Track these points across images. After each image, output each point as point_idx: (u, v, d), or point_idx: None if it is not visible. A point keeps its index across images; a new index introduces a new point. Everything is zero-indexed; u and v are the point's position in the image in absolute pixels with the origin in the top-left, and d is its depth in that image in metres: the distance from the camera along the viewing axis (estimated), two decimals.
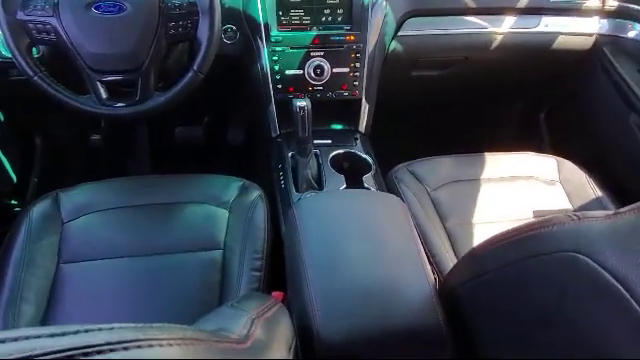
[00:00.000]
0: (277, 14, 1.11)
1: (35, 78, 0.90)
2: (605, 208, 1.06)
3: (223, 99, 1.54)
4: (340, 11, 1.13)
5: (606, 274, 0.39)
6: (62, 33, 0.87)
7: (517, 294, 0.52)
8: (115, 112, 0.93)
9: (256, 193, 1.00)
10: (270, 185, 1.08)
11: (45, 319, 0.84)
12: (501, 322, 0.56)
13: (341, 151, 1.11)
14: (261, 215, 0.96)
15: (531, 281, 0.49)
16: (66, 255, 0.91)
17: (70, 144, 1.55)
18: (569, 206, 1.09)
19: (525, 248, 0.49)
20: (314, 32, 1.13)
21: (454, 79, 1.36)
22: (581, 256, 0.42)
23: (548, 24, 1.25)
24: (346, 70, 1.15)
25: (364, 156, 1.11)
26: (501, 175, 1.13)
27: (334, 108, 1.19)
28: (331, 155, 1.08)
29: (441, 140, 1.27)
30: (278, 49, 1.12)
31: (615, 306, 0.38)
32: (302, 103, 0.95)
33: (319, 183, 1.03)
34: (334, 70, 1.14)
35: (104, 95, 0.92)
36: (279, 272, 0.80)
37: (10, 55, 0.89)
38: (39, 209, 0.95)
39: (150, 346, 0.24)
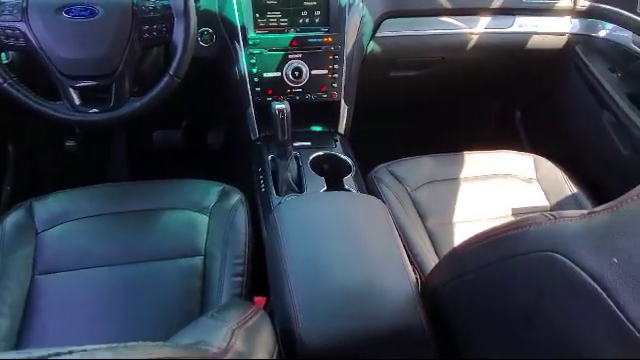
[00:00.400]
0: (254, 16, 1.11)
1: (5, 85, 0.87)
2: (581, 205, 1.08)
3: (201, 102, 1.53)
4: (317, 13, 1.13)
5: (582, 273, 0.40)
6: (31, 38, 0.85)
7: (497, 294, 0.52)
8: (89, 118, 0.91)
9: (236, 197, 0.99)
10: (251, 189, 1.07)
11: (21, 332, 0.82)
12: (482, 322, 0.56)
13: (321, 153, 1.11)
14: (242, 219, 0.95)
15: (510, 281, 0.49)
16: (41, 266, 0.89)
17: (44, 151, 1.51)
18: (546, 203, 1.11)
19: (504, 248, 0.50)
20: (292, 34, 1.12)
21: (432, 79, 1.38)
22: (558, 256, 0.42)
23: (522, 24, 1.27)
24: (325, 72, 1.15)
25: (344, 157, 1.11)
26: (480, 174, 1.15)
27: (313, 110, 1.19)
28: (311, 157, 1.08)
29: (420, 140, 1.27)
30: (256, 51, 1.11)
31: (592, 305, 0.39)
32: (281, 106, 0.95)
33: (299, 186, 1.03)
34: (313, 72, 1.14)
35: (77, 101, 0.90)
36: (261, 277, 0.80)
37: None
38: (12, 219, 0.92)
39: None
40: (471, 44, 1.27)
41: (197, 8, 0.97)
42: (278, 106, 0.94)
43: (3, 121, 1.37)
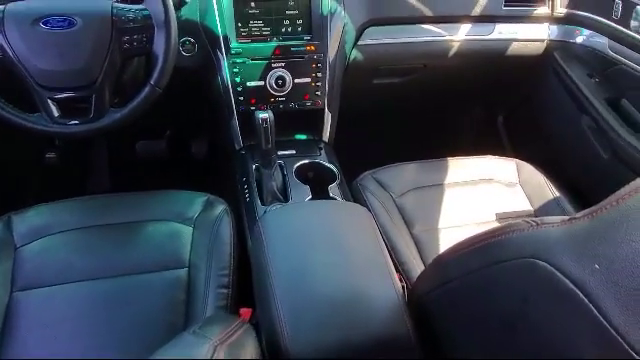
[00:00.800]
0: (236, 25, 1.10)
1: None
2: (563, 208, 1.09)
3: (185, 112, 1.51)
4: (300, 21, 1.13)
5: (565, 279, 0.40)
6: (8, 50, 0.84)
7: (481, 301, 0.52)
8: (68, 130, 0.89)
9: (221, 207, 0.98)
10: (236, 199, 1.06)
11: (0, 351, 0.79)
12: (467, 329, 0.56)
13: (306, 161, 1.11)
14: (227, 230, 0.94)
15: (494, 288, 0.50)
16: (20, 282, 0.86)
17: (24, 163, 1.48)
18: (529, 207, 1.12)
19: (487, 255, 0.50)
20: (274, 43, 1.12)
21: (415, 86, 1.39)
22: (540, 262, 0.43)
23: (502, 31, 1.29)
24: (308, 80, 1.15)
25: (329, 165, 1.11)
26: (464, 179, 1.16)
27: (297, 118, 1.19)
28: (296, 166, 1.08)
29: (405, 147, 1.28)
30: (238, 61, 1.11)
31: (575, 311, 0.39)
32: (264, 115, 0.94)
33: (284, 195, 1.02)
34: (296, 80, 1.14)
35: (56, 113, 0.89)
36: (248, 288, 0.79)
37: None
38: None
39: None
40: (452, 51, 1.29)
41: (178, 18, 0.96)
42: (261, 115, 0.94)
43: None
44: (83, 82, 0.87)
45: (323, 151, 1.15)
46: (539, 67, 1.35)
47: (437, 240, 1.03)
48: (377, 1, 1.22)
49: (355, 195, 1.09)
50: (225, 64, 1.11)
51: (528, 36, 1.31)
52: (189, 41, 1.11)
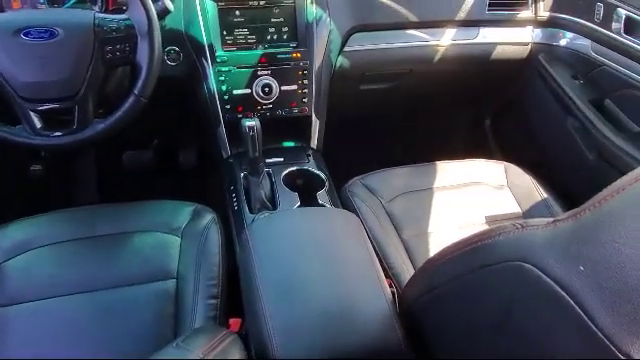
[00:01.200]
0: (221, 34, 1.10)
1: None
2: (551, 210, 1.10)
3: (171, 121, 1.50)
4: (285, 29, 1.13)
5: (550, 282, 0.40)
6: None
7: (470, 305, 0.52)
8: (51, 142, 0.88)
9: (209, 217, 0.97)
10: (224, 207, 1.05)
11: None
12: (457, 333, 0.56)
13: (294, 168, 1.10)
14: (215, 239, 0.93)
15: (481, 292, 0.49)
16: (3, 298, 0.84)
17: (8, 176, 1.46)
18: (518, 210, 1.12)
19: (473, 259, 0.50)
20: (260, 51, 1.12)
21: (402, 91, 1.39)
22: (526, 265, 0.42)
23: (486, 35, 1.30)
24: (294, 87, 1.15)
25: (317, 172, 1.10)
26: (452, 183, 1.16)
27: (285, 126, 1.18)
28: (284, 173, 1.07)
29: (393, 152, 1.28)
30: (224, 69, 1.10)
31: (561, 313, 0.39)
32: (251, 123, 0.94)
33: (273, 202, 1.02)
34: (282, 88, 1.14)
35: (38, 125, 0.88)
36: (237, 297, 0.78)
37: None
38: None
39: None
40: (438, 56, 1.29)
41: (162, 27, 0.96)
42: (248, 123, 0.94)
43: None
44: (65, 93, 0.86)
45: (311, 158, 1.15)
46: (524, 70, 1.36)
47: (427, 244, 1.02)
48: (362, 7, 1.23)
49: (344, 201, 1.09)
50: (211, 72, 1.10)
51: (513, 39, 1.32)
52: (174, 50, 1.11)
